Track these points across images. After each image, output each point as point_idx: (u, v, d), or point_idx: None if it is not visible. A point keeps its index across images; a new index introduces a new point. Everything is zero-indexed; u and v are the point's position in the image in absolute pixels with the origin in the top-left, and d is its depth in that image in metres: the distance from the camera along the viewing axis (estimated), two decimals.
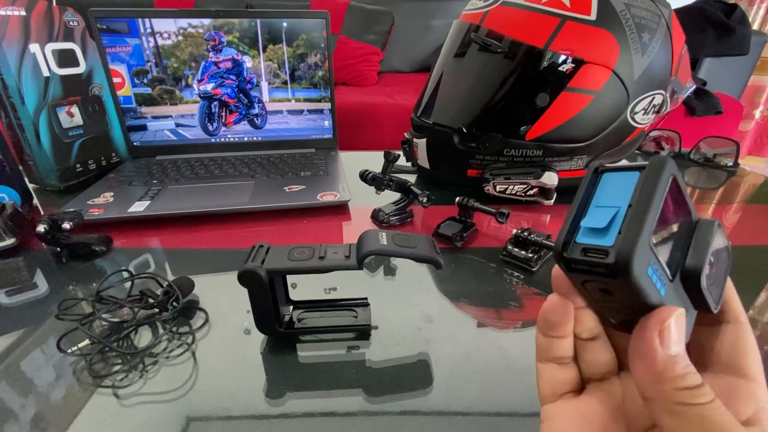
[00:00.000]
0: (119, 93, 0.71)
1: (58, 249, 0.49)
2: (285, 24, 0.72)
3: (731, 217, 0.62)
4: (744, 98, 1.92)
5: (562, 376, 0.20)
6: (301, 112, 0.78)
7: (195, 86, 0.73)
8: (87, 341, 0.35)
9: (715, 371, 0.18)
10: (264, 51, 0.73)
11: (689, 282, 0.18)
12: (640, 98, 0.58)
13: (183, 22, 0.69)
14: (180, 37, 0.70)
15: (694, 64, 1.74)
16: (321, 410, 0.30)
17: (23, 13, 0.59)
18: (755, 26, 2.20)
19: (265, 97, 0.76)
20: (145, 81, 0.72)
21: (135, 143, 0.75)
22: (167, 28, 0.69)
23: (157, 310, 0.38)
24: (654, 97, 0.59)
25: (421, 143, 0.65)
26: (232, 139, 0.77)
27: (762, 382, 0.18)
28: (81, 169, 0.67)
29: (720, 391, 0.16)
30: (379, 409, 0.30)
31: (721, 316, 0.19)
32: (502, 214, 0.51)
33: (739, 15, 1.67)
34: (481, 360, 0.35)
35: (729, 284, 0.19)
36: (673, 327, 0.16)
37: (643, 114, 0.60)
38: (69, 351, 0.34)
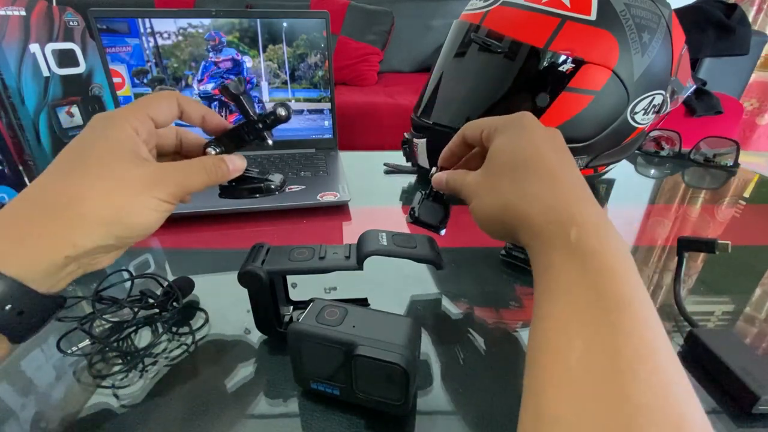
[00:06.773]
0: (119, 93, 0.71)
1: None
2: (285, 24, 0.72)
3: (731, 217, 0.62)
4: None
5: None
6: (301, 112, 0.78)
7: (195, 86, 0.73)
8: (87, 341, 0.35)
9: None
10: (264, 51, 0.73)
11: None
12: (640, 98, 0.58)
13: (183, 22, 0.69)
14: (180, 37, 0.70)
15: (694, 64, 1.74)
16: (321, 410, 0.30)
17: (23, 13, 0.59)
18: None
19: (265, 97, 0.76)
20: (145, 81, 0.71)
21: None
22: (167, 28, 0.69)
23: (157, 310, 0.38)
24: (654, 97, 0.59)
25: (421, 143, 0.65)
26: None
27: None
28: None
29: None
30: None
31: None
32: None
33: (739, 15, 1.67)
34: (481, 360, 0.35)
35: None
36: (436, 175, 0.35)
37: (643, 114, 0.60)
38: (69, 351, 0.34)
